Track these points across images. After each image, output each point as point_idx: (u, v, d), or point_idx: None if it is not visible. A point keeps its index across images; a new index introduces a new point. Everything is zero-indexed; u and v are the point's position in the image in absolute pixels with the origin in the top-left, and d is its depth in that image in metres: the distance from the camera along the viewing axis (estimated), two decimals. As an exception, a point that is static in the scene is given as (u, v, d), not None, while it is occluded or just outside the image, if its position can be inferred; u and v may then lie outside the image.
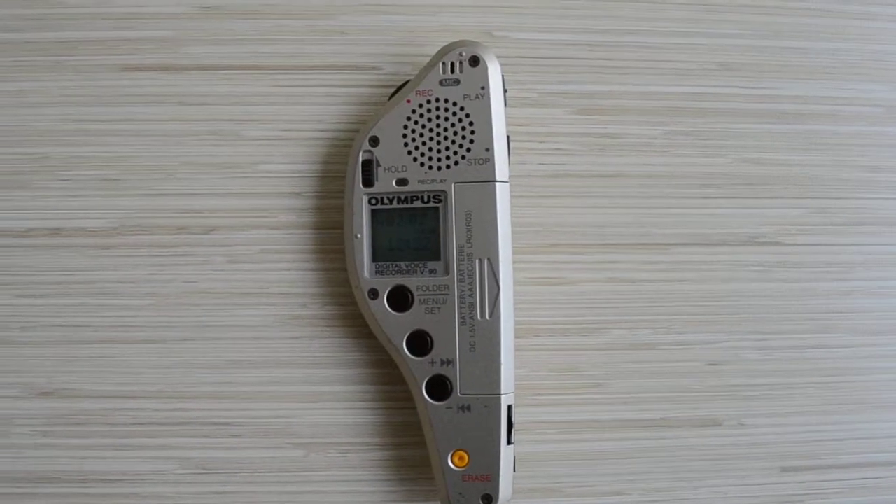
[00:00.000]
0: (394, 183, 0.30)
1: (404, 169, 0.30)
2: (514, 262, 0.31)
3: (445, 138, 0.30)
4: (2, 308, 0.32)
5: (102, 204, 0.33)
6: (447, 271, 0.30)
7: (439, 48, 0.30)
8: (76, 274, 0.33)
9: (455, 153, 0.30)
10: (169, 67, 0.33)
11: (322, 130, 0.33)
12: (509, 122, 0.31)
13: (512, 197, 0.31)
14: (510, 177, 0.30)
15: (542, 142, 0.33)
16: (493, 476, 0.30)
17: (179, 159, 0.33)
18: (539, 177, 0.33)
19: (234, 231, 0.33)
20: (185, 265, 0.33)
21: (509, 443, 0.30)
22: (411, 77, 0.31)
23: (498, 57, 0.30)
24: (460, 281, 0.30)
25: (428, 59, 0.31)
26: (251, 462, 0.32)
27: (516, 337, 0.31)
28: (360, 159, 0.30)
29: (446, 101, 0.30)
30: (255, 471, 0.32)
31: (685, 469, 0.33)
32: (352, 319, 0.32)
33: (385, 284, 0.30)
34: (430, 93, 0.30)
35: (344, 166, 0.31)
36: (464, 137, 0.30)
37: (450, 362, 0.30)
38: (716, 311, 0.33)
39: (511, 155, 0.31)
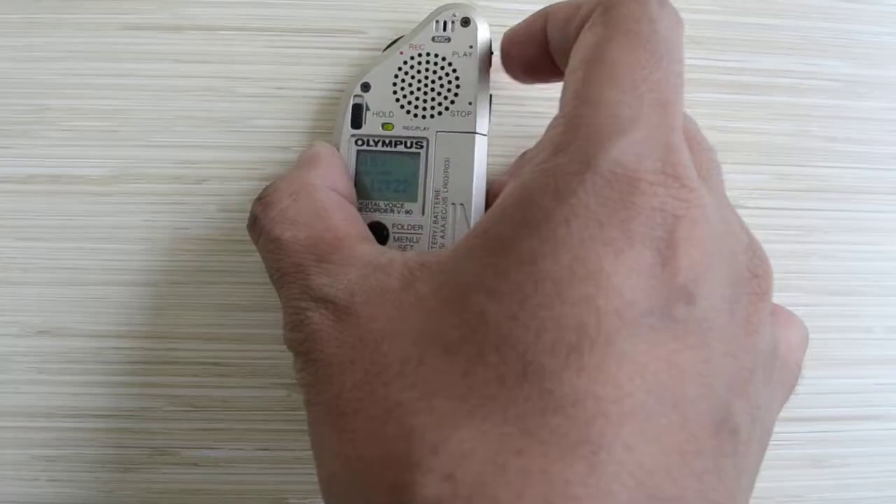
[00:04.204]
0: (380, 127, 0.32)
1: (391, 115, 0.32)
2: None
3: (432, 90, 0.31)
4: (3, 250, 0.34)
5: (101, 153, 0.34)
6: (422, 212, 0.31)
7: (429, 12, 0.32)
8: (74, 219, 0.34)
9: (440, 104, 0.31)
10: (167, 27, 0.35)
11: (311, 89, 0.34)
12: (492, 85, 0.32)
13: (491, 155, 0.32)
14: (490, 135, 0.32)
15: (521, 105, 0.35)
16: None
17: (175, 113, 0.34)
18: (517, 137, 0.35)
19: (225, 182, 0.34)
20: (179, 213, 0.34)
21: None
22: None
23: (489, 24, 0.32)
24: (434, 222, 0.31)
25: (412, 26, 0.32)
26: (237, 400, 0.34)
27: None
28: (352, 102, 0.32)
29: (436, 55, 0.32)
30: (240, 409, 0.34)
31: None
32: (334, 267, 0.34)
33: (364, 220, 0.31)
34: (422, 47, 0.32)
35: (330, 123, 0.33)
36: (449, 90, 0.31)
37: (419, 296, 0.31)
38: (680, 270, 0.35)
39: (492, 115, 0.32)
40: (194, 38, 0.35)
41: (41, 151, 0.34)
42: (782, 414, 0.34)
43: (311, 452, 0.33)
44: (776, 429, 0.34)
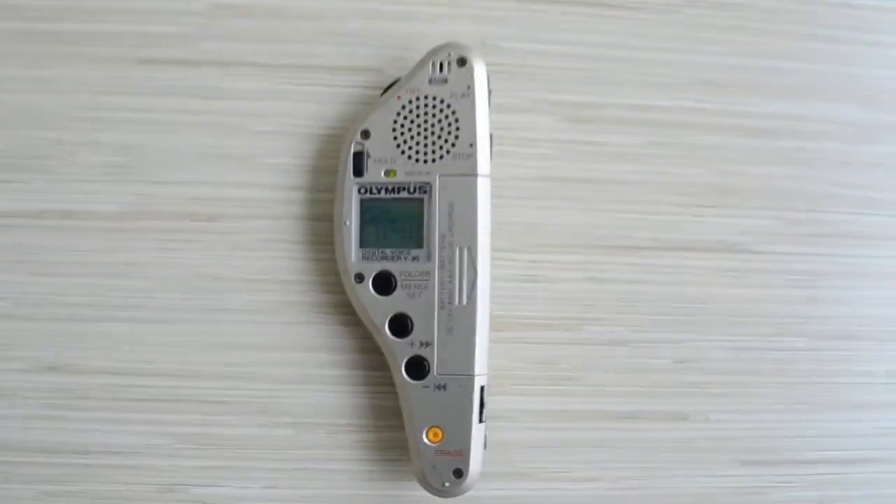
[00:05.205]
0: (382, 174, 0.32)
1: (393, 161, 0.32)
2: (497, 259, 0.33)
3: (432, 133, 0.31)
4: (15, 285, 0.34)
5: (113, 189, 0.34)
6: (429, 258, 0.31)
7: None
8: (86, 255, 0.34)
9: (441, 147, 0.31)
10: (180, 61, 0.34)
11: (323, 127, 0.34)
12: (499, 126, 0.33)
13: (497, 197, 0.32)
14: (496, 176, 0.32)
15: (529, 146, 0.35)
16: (464, 452, 0.31)
17: (188, 149, 0.34)
18: (524, 179, 0.34)
19: (235, 220, 0.34)
20: (189, 250, 0.34)
21: (480, 421, 0.31)
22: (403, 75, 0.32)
23: (491, 65, 0.32)
24: (441, 268, 0.31)
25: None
26: (243, 439, 0.34)
27: (496, 330, 0.33)
28: (352, 150, 0.32)
29: (434, 98, 0.31)
30: (246, 447, 0.34)
31: (654, 459, 0.35)
32: (342, 307, 0.33)
33: (370, 269, 0.32)
34: (420, 90, 0.31)
35: (343, 163, 0.33)
36: (449, 133, 0.31)
37: (428, 344, 0.31)
38: (687, 313, 0.35)
39: (499, 157, 0.32)
40: (209, 74, 0.34)
41: (53, 186, 0.34)
42: (787, 457, 0.34)
43: (316, 492, 0.34)
44: (782, 472, 0.34)
